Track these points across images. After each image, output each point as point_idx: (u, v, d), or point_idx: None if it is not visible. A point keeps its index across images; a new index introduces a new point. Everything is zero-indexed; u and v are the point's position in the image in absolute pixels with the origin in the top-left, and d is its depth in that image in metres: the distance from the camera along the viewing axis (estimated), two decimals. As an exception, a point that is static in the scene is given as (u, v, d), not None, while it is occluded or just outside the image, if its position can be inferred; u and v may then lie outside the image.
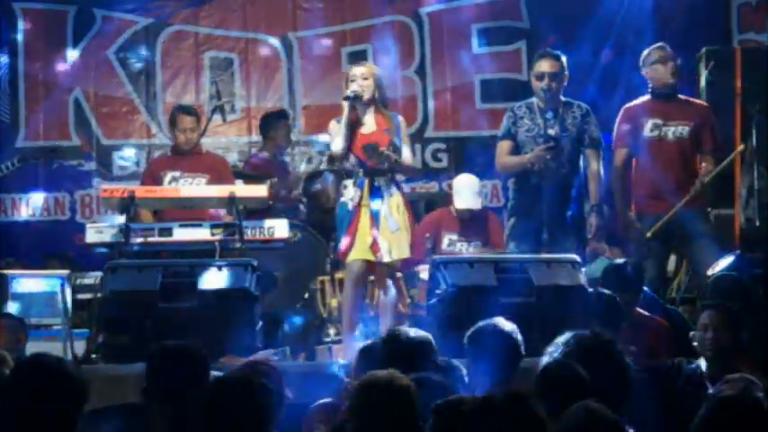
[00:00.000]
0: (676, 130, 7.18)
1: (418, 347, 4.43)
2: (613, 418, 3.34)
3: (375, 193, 6.34)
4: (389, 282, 6.47)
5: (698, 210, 7.12)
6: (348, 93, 6.37)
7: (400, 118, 6.60)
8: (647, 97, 7.29)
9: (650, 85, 7.27)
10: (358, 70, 6.50)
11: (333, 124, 6.56)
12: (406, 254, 6.40)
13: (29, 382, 3.56)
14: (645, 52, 7.33)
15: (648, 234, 7.08)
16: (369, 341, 4.99)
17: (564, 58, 6.92)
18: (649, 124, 7.19)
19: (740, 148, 7.29)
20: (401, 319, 6.95)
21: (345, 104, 6.37)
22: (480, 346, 4.54)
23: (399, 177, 6.55)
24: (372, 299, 7.23)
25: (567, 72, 6.91)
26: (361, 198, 6.33)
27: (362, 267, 6.38)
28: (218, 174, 7.68)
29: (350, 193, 6.38)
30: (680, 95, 7.32)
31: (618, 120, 7.31)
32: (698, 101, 7.46)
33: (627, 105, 7.35)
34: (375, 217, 6.31)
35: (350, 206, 6.35)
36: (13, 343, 6.02)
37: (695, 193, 7.06)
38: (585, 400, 3.43)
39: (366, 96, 6.39)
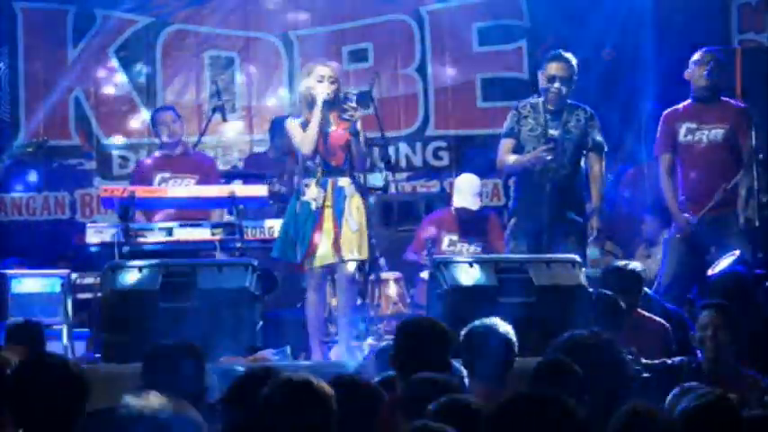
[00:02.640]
0: (710, 134, 7.16)
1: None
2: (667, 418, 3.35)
3: (338, 193, 6.33)
4: (350, 283, 6.42)
5: (727, 214, 7.08)
6: (326, 96, 6.34)
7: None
8: (687, 101, 7.29)
9: (692, 88, 7.26)
10: (325, 71, 6.46)
11: (292, 123, 6.50)
12: (363, 255, 6.36)
13: (32, 380, 3.56)
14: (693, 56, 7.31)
15: (679, 236, 7.10)
16: (383, 343, 5.04)
17: (575, 62, 6.93)
18: (683, 129, 7.20)
19: (740, 174, 7.25)
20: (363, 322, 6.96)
21: (319, 107, 6.34)
22: (475, 346, 4.54)
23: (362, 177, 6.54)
24: (373, 299, 7.24)
25: (576, 75, 6.93)
26: (324, 199, 6.33)
27: (323, 273, 6.41)
28: (205, 173, 7.71)
29: (312, 192, 6.34)
30: (722, 98, 7.28)
31: (659, 126, 7.32)
32: (737, 103, 7.39)
33: (666, 111, 7.34)
34: (338, 217, 6.30)
35: (313, 206, 6.32)
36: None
37: (719, 200, 7.04)
38: (634, 402, 3.44)
39: (332, 97, 6.39)
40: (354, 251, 6.29)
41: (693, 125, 7.19)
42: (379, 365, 4.76)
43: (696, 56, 7.27)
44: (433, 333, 4.44)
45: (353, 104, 6.40)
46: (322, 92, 6.35)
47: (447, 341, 4.44)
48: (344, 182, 6.37)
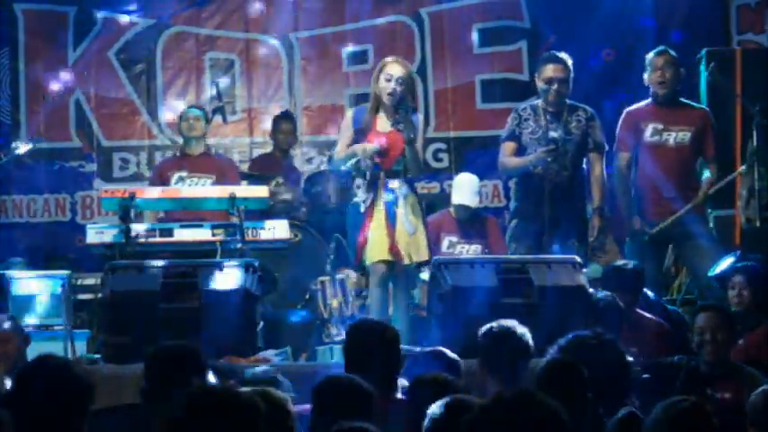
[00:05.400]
0: (677, 136, 7.17)
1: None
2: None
3: (389, 195, 6.29)
4: (405, 286, 6.39)
5: (698, 214, 7.12)
6: (375, 151, 6.23)
7: (419, 116, 6.51)
8: (648, 101, 7.29)
9: (651, 90, 7.27)
10: (395, 70, 6.35)
11: (346, 124, 6.44)
12: (424, 256, 6.31)
13: (36, 383, 3.56)
14: (646, 57, 7.32)
15: (646, 237, 7.09)
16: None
17: (570, 62, 6.93)
18: (650, 129, 7.19)
19: (740, 169, 7.28)
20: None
21: (370, 158, 6.25)
22: (492, 346, 4.55)
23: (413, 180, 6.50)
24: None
25: (572, 74, 6.93)
26: (374, 200, 6.29)
27: (385, 268, 6.29)
28: (224, 175, 7.74)
29: (363, 194, 6.32)
30: (682, 99, 7.31)
31: (619, 123, 7.31)
32: (699, 105, 7.43)
33: (628, 109, 7.34)
34: (390, 219, 6.26)
35: (362, 208, 6.29)
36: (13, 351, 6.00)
37: (697, 203, 7.07)
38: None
39: (392, 102, 6.28)
40: (413, 255, 6.25)
41: (660, 126, 7.19)
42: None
43: (653, 60, 7.23)
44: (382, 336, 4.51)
45: (407, 116, 6.31)
46: (373, 151, 6.24)
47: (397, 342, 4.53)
48: (395, 184, 6.30)
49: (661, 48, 7.33)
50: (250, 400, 2.84)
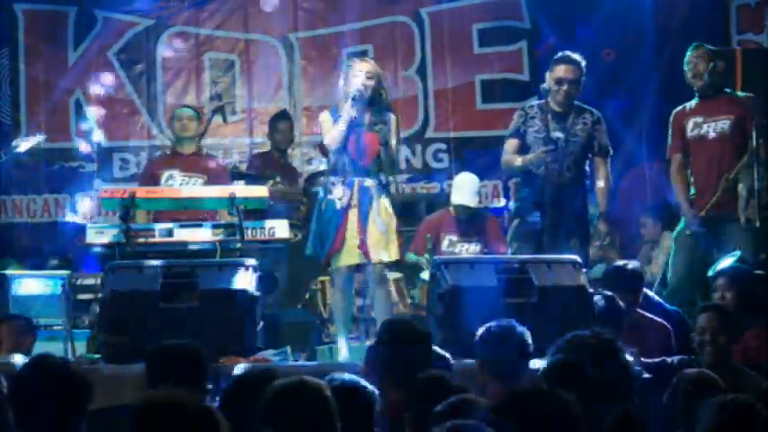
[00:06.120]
0: (717, 126, 7.14)
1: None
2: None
3: (364, 193, 6.30)
4: (380, 284, 6.40)
5: (728, 213, 7.07)
6: (355, 93, 6.30)
7: (392, 116, 6.49)
8: (694, 99, 7.28)
9: (693, 88, 7.26)
10: (363, 66, 6.42)
11: (325, 117, 6.47)
12: (394, 256, 6.34)
13: (33, 383, 3.56)
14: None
15: (688, 232, 7.07)
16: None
17: (583, 63, 6.92)
18: (690, 124, 7.18)
19: (744, 160, 7.25)
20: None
21: (349, 104, 6.31)
22: (491, 345, 4.55)
23: (389, 180, 6.51)
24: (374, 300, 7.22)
25: (584, 77, 6.92)
26: (350, 198, 6.31)
27: (349, 272, 6.36)
28: (215, 176, 7.73)
29: (338, 191, 6.32)
30: (726, 90, 7.25)
31: (669, 126, 7.30)
32: (743, 93, 7.36)
33: (674, 110, 7.33)
34: (363, 218, 6.27)
35: (338, 205, 6.30)
36: (20, 346, 6.04)
37: (723, 190, 7.03)
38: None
39: (366, 95, 6.33)
40: (382, 253, 6.26)
41: (700, 119, 7.18)
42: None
43: (687, 57, 7.22)
44: (416, 334, 4.52)
45: (384, 118, 6.35)
46: (354, 89, 6.28)
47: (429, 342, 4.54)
48: (371, 182, 6.32)
49: (695, 43, 7.31)
50: (207, 413, 2.81)
